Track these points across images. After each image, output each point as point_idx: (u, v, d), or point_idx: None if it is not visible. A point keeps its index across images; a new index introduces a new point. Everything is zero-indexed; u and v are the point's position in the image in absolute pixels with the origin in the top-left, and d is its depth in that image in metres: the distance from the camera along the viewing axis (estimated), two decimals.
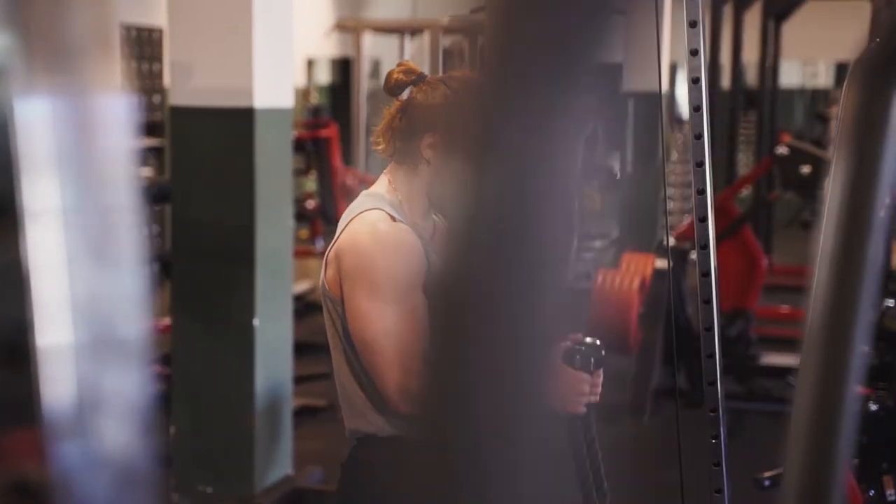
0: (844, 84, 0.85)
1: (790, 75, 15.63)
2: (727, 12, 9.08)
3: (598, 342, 2.47)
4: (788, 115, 15.31)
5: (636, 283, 6.09)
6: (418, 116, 2.43)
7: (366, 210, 2.40)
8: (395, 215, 2.41)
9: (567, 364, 2.40)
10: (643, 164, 8.70)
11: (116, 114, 0.54)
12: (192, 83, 4.79)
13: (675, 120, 11.28)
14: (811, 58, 15.97)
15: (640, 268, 6.26)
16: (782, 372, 6.28)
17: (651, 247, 7.42)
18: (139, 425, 0.61)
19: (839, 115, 0.78)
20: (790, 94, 15.77)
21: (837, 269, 0.74)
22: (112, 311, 0.55)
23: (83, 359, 0.55)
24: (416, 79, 2.48)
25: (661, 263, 6.30)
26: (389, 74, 2.50)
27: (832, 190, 0.75)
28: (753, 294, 7.33)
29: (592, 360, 2.42)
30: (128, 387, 0.58)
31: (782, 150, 7.56)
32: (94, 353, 0.55)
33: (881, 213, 0.73)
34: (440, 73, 2.65)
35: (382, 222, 2.37)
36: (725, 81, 10.96)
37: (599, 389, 2.46)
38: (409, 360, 2.33)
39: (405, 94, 2.49)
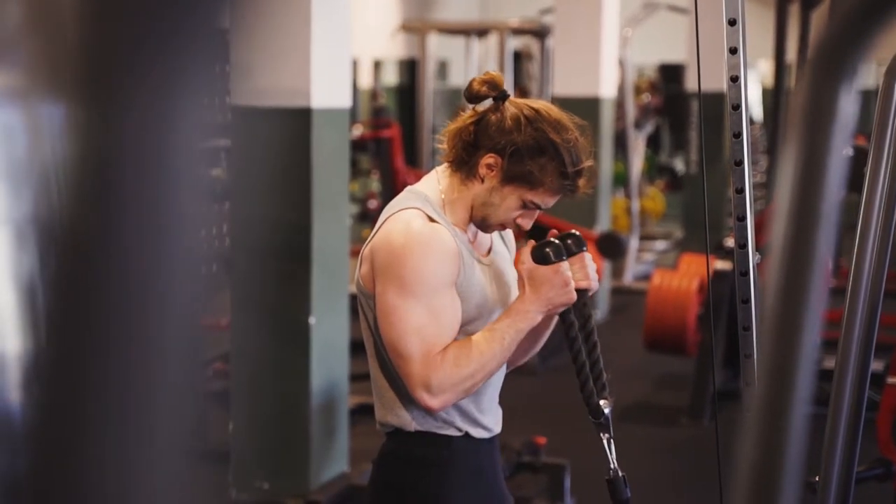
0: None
1: (865, 76, 15.35)
2: (793, 12, 8.98)
3: (571, 231, 2.48)
4: (866, 117, 15.02)
5: (695, 285, 6.03)
6: (487, 133, 2.42)
7: (404, 208, 2.42)
8: (434, 215, 2.41)
9: (540, 262, 2.40)
10: (709, 164, 8.64)
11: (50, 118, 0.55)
12: (251, 83, 4.86)
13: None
14: (885, 59, 15.68)
15: (699, 269, 6.20)
16: None
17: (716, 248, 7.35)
18: None
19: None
20: (867, 95, 15.48)
21: (787, 263, 0.75)
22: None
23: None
24: (498, 95, 2.46)
25: (720, 265, 6.25)
26: (472, 82, 2.48)
27: (782, 184, 0.76)
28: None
29: (563, 247, 2.42)
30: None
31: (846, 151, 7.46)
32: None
33: (829, 206, 0.73)
34: (510, 79, 2.63)
35: (417, 220, 2.38)
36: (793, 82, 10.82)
37: (591, 272, 2.46)
38: (434, 358, 2.35)
39: (482, 106, 2.47)
